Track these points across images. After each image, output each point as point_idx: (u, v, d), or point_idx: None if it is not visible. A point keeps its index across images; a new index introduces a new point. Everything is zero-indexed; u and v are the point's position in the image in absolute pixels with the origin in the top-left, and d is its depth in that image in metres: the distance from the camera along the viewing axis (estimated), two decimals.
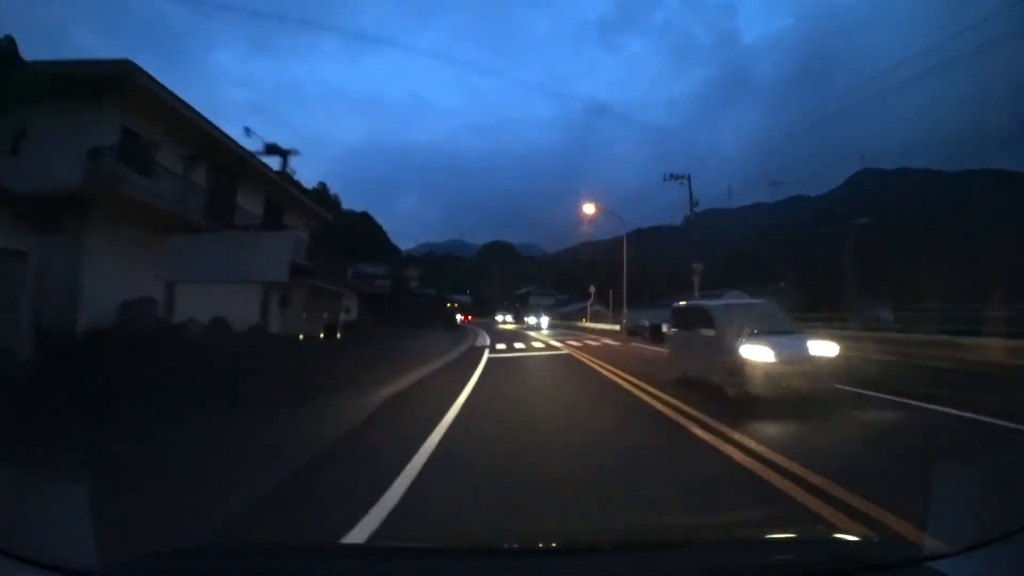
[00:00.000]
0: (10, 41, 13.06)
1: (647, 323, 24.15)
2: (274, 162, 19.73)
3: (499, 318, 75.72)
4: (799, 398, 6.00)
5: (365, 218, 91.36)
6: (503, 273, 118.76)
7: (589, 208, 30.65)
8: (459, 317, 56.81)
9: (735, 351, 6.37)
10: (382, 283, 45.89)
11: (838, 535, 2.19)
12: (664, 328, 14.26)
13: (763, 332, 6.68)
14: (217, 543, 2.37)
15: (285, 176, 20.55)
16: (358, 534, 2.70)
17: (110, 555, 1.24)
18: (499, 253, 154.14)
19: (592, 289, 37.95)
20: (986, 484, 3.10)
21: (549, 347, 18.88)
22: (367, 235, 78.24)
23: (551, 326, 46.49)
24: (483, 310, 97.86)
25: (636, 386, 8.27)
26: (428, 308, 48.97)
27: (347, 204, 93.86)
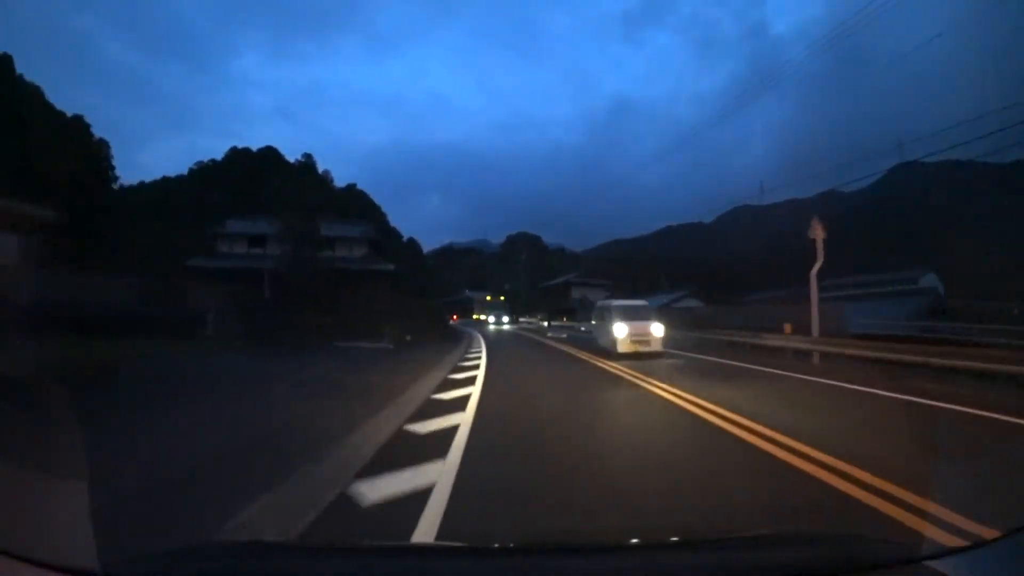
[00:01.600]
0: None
1: None
2: None
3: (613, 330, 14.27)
4: None
5: (354, 194, 68.46)
6: (530, 267, 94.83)
7: None
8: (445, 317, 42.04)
9: None
10: (250, 252, 27.15)
11: (838, 535, 2.17)
12: None
13: None
14: (217, 542, 2.31)
15: None
16: None
17: (110, 554, 1.23)
18: (525, 244, 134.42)
19: (820, 233, 13.73)
20: (986, 482, 3.12)
21: None
22: (358, 215, 58.22)
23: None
24: (503, 309, 77.06)
25: None
26: (387, 301, 23.50)
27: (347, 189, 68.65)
